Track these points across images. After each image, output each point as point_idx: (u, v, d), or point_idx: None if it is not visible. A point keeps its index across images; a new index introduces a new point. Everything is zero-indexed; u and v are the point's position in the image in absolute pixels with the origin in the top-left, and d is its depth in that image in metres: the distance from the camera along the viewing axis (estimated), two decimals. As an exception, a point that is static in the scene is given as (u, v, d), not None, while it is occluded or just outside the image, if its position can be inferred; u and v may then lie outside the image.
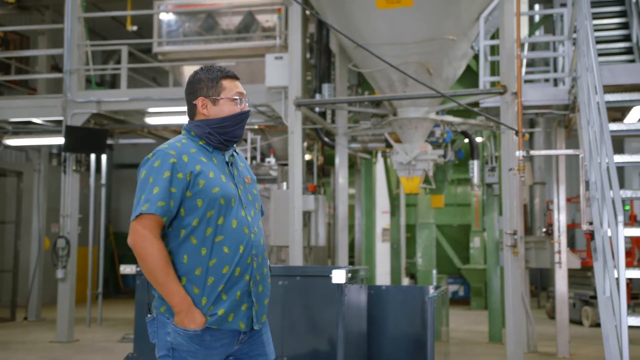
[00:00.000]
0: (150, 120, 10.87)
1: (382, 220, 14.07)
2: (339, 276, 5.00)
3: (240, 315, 2.75)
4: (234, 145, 2.97)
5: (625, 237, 4.22)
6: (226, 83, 2.89)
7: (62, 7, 10.17)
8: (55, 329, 9.69)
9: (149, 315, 2.80)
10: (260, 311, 2.82)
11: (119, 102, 9.86)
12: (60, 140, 10.08)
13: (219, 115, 2.85)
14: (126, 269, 5.91)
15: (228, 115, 2.86)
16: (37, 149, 12.43)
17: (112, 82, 15.45)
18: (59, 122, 10.29)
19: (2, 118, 10.56)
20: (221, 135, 2.86)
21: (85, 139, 9.80)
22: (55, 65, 14.21)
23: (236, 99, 2.89)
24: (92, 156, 10.96)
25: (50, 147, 12.27)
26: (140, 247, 2.64)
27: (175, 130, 11.56)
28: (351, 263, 13.05)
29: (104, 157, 11.38)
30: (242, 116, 2.90)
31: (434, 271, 13.44)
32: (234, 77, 2.93)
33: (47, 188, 12.27)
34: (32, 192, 12.41)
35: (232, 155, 2.93)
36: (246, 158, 10.88)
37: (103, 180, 11.69)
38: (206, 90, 2.85)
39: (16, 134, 11.35)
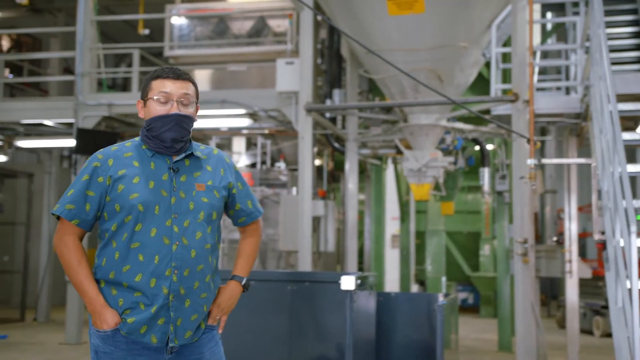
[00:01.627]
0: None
1: (392, 226, 14.03)
2: (348, 282, 4.98)
3: (155, 329, 2.63)
4: (201, 149, 2.85)
5: (639, 248, 4.18)
6: (155, 83, 2.74)
7: (74, 10, 10.22)
8: (64, 330, 9.70)
9: None
10: (182, 327, 2.67)
11: (130, 105, 9.88)
12: (71, 142, 10.11)
13: (148, 117, 2.74)
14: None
15: (151, 118, 2.71)
16: (48, 151, 12.49)
17: (124, 86, 15.50)
18: (70, 125, 10.34)
19: (13, 120, 10.61)
20: (153, 139, 2.73)
21: (95, 141, 9.81)
22: (67, 67, 14.29)
23: (159, 99, 2.71)
24: (103, 159, 10.98)
25: (61, 149, 12.32)
26: (57, 249, 2.73)
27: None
28: (360, 269, 13.01)
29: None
30: (166, 119, 2.68)
31: (444, 278, 13.34)
32: (167, 76, 2.73)
33: (57, 190, 12.30)
34: (43, 193, 12.47)
35: (190, 158, 2.78)
36: (255, 163, 10.90)
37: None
38: (142, 92, 2.78)
39: (28, 135, 11.40)
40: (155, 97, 2.71)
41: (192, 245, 2.67)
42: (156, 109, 2.71)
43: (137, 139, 2.83)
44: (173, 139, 2.70)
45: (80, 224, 2.70)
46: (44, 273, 12.12)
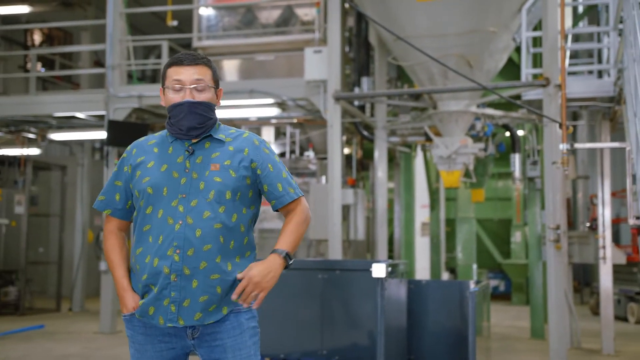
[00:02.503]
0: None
1: (422, 214, 13.96)
2: (379, 270, 4.98)
3: (161, 310, 2.63)
4: (227, 132, 2.81)
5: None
6: (170, 71, 2.74)
7: (104, 3, 10.30)
8: (98, 320, 9.86)
9: None
10: (191, 308, 2.61)
11: (160, 97, 9.95)
12: (102, 134, 10.22)
13: (166, 105, 2.75)
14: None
15: (169, 106, 2.73)
16: (81, 143, 12.65)
17: (153, 77, 15.64)
18: (101, 117, 10.45)
19: (46, 113, 10.76)
20: (173, 127, 2.74)
21: (126, 133, 9.90)
22: (98, 60, 14.44)
23: (175, 87, 2.70)
24: (134, 150, 11.10)
25: (93, 141, 12.47)
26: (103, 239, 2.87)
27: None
28: (390, 257, 12.99)
29: (145, 151, 11.50)
30: (179, 107, 2.68)
31: (474, 266, 13.30)
32: (181, 63, 2.72)
33: (90, 182, 12.48)
34: (76, 185, 12.65)
35: (212, 140, 2.75)
36: (284, 152, 10.92)
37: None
38: (161, 80, 2.80)
39: (60, 128, 11.56)
40: (169, 86, 2.72)
41: (198, 224, 2.62)
42: (171, 97, 2.72)
43: None
44: (189, 127, 2.70)
45: (113, 214, 2.81)
46: (78, 264, 12.31)
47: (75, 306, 12.32)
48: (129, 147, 2.84)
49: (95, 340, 9.13)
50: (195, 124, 2.69)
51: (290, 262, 2.72)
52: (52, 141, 12.28)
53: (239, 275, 2.65)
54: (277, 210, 2.85)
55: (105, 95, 9.92)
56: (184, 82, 2.69)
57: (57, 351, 8.31)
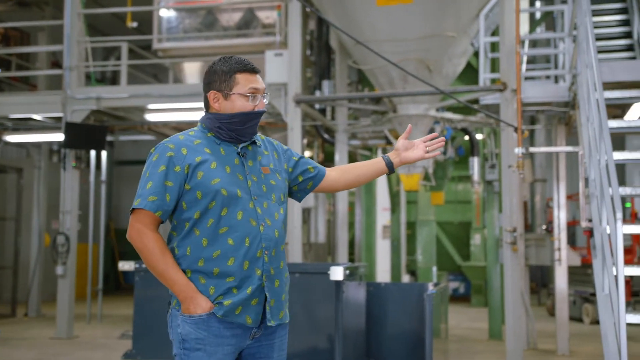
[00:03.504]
0: (150, 117, 10.86)
1: (383, 217, 14.05)
2: (337, 273, 5.00)
3: (249, 310, 2.67)
4: (255, 135, 2.87)
5: (626, 235, 4.21)
6: (240, 77, 2.75)
7: (61, 3, 10.16)
8: (55, 325, 9.69)
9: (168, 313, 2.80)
10: (276, 307, 2.73)
11: (119, 98, 9.84)
12: (60, 136, 10.07)
13: (230, 110, 2.75)
14: (125, 266, 5.92)
15: (238, 113, 2.74)
16: (37, 145, 12.42)
17: (113, 79, 15.44)
18: (58, 119, 10.29)
19: (2, 114, 10.55)
20: (230, 132, 2.77)
21: (85, 135, 9.79)
22: (56, 61, 14.20)
23: (249, 96, 2.75)
24: (92, 153, 10.96)
25: (50, 143, 12.26)
26: (137, 241, 2.65)
27: (175, 127, 11.55)
28: (351, 260, 13.04)
29: (104, 153, 11.37)
30: (252, 115, 2.76)
31: (434, 268, 13.41)
32: (252, 70, 2.77)
33: (47, 184, 12.26)
34: (32, 188, 12.41)
35: (251, 144, 2.83)
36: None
37: (103, 177, 11.68)
38: (219, 83, 2.75)
39: (16, 130, 11.34)
40: (245, 93, 2.74)
41: (275, 225, 2.73)
42: (244, 105, 2.75)
43: (196, 127, 2.85)
44: (251, 134, 2.79)
45: (162, 215, 2.68)
46: (35, 268, 12.08)
47: (31, 311, 12.08)
48: (171, 146, 2.71)
49: (52, 345, 8.98)
50: (256, 130, 2.82)
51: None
52: (7, 143, 12.04)
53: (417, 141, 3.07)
54: (319, 184, 2.99)
55: (63, 96, 9.78)
56: (260, 91, 2.77)
57: (13, 357, 8.15)
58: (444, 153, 9.76)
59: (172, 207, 2.69)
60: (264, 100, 2.81)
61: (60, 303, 9.58)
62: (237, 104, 2.74)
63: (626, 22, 10.01)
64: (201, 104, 9.54)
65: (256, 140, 2.85)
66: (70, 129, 9.59)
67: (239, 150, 2.77)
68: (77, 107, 9.73)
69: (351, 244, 13.05)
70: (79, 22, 9.99)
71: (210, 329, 2.64)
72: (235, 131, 2.76)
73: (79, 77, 9.98)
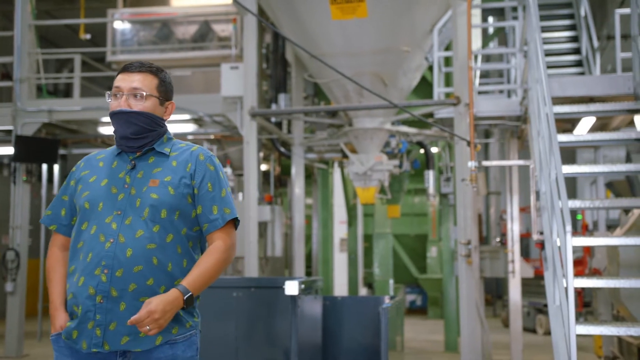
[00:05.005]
0: (103, 130, 10.71)
1: (340, 230, 14.08)
2: (291, 287, 4.98)
3: (85, 334, 2.47)
4: (164, 145, 2.66)
5: (576, 247, 4.29)
6: (117, 78, 2.64)
7: (12, 14, 9.97)
8: (4, 343, 9.43)
9: None
10: (118, 332, 2.44)
11: (72, 111, 9.68)
12: (10, 150, 9.85)
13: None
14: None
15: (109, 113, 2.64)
16: (-13, 159, 12.15)
17: (66, 91, 15.19)
18: (9, 132, 10.06)
19: (-51, 127, 10.27)
20: (115, 138, 2.66)
21: (36, 149, 9.59)
22: (6, 73, 13.90)
23: (115, 94, 2.61)
24: (44, 166, 10.75)
25: (0, 157, 11.98)
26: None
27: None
28: (308, 274, 13.02)
29: (56, 167, 11.16)
30: (113, 117, 2.59)
31: (391, 281, 13.45)
32: (127, 70, 2.63)
33: (-3, 199, 11.98)
34: (-19, 203, 12.10)
35: (156, 155, 2.63)
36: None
37: (55, 191, 11.45)
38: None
39: (-35, 143, 11.06)
40: (108, 93, 2.64)
41: (130, 244, 2.47)
42: (110, 105, 2.64)
43: None
44: (122, 136, 2.61)
45: (58, 230, 2.68)
46: (-16, 285, 11.75)
47: (-21, 329, 11.74)
48: (80, 161, 2.75)
49: (0, 365, 8.73)
50: (129, 134, 2.58)
51: (186, 307, 2.48)
52: (-45, 157, 11.74)
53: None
54: (205, 235, 2.64)
55: (13, 109, 9.58)
56: (122, 89, 2.59)
57: (-42, 378, 7.91)
58: (400, 166, 9.82)
59: (68, 222, 2.70)
60: (139, 102, 2.58)
61: (9, 320, 9.34)
62: (110, 106, 2.64)
63: (575, 39, 10.26)
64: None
65: (166, 149, 2.65)
66: (21, 142, 9.39)
67: (131, 161, 2.62)
68: (28, 120, 9.54)
69: (308, 258, 13.04)
70: (29, 34, 9.82)
71: (61, 349, 2.55)
72: (115, 138, 2.64)
73: (30, 90, 9.80)
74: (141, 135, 2.60)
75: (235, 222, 2.67)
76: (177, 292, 2.46)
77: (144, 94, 2.60)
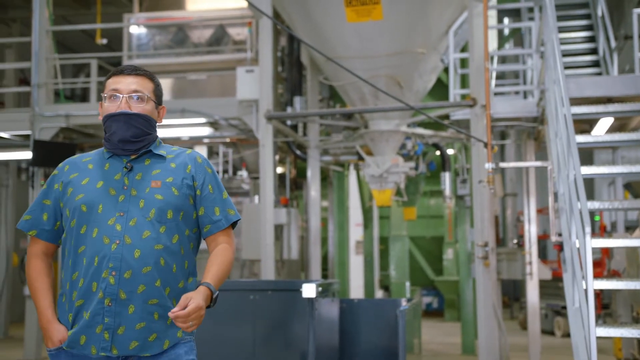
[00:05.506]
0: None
1: (356, 232, 14.06)
2: (309, 290, 4.97)
3: (94, 339, 2.40)
4: (159, 148, 2.64)
5: (595, 248, 4.25)
6: (110, 81, 2.59)
7: (30, 20, 10.05)
8: (23, 347, 9.50)
9: None
10: (127, 336, 2.41)
11: (89, 116, 9.74)
12: (28, 154, 9.93)
13: (103, 116, 2.60)
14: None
15: (103, 117, 2.58)
16: (5, 163, 12.23)
17: (83, 96, 15.30)
18: (27, 137, 10.14)
19: (-31, 132, 10.38)
20: (109, 141, 2.58)
21: (53, 153, 9.64)
22: (24, 78, 14.03)
23: (112, 96, 2.56)
24: (61, 171, 10.82)
25: (18, 161, 12.08)
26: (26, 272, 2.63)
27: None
28: (324, 276, 13.00)
29: (73, 171, 11.23)
30: (113, 118, 2.53)
31: (407, 283, 13.45)
32: (121, 72, 2.59)
33: (15, 203, 12.06)
34: (0, 207, 12.20)
35: (152, 157, 2.60)
36: (218, 172, 10.84)
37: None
38: (103, 91, 2.64)
39: (-17, 148, 11.16)
40: (106, 95, 2.57)
41: (137, 244, 2.43)
42: (106, 107, 2.57)
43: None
44: (121, 139, 2.54)
45: (39, 235, 2.58)
46: (2, 288, 11.86)
47: (-2, 333, 11.85)
48: (60, 164, 2.64)
49: (19, 368, 8.80)
50: (129, 137, 2.53)
51: (212, 305, 2.50)
52: (-26, 161, 11.85)
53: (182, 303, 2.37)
54: (206, 237, 2.64)
55: (31, 114, 9.65)
56: (121, 91, 2.54)
57: (-22, 381, 7.98)
58: (416, 168, 9.80)
59: (51, 227, 2.59)
60: (140, 105, 2.56)
61: (28, 324, 9.40)
62: (104, 108, 2.58)
63: (592, 39, 10.20)
64: (172, 121, 9.48)
65: (162, 152, 2.63)
66: (39, 147, 9.46)
67: (127, 163, 2.57)
68: (46, 125, 9.61)
69: (324, 260, 13.02)
70: (47, 39, 9.89)
71: None
72: (110, 139, 2.56)
73: (48, 95, 9.87)
74: (140, 138, 2.57)
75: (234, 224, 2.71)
76: (207, 289, 2.46)
77: (146, 95, 2.58)
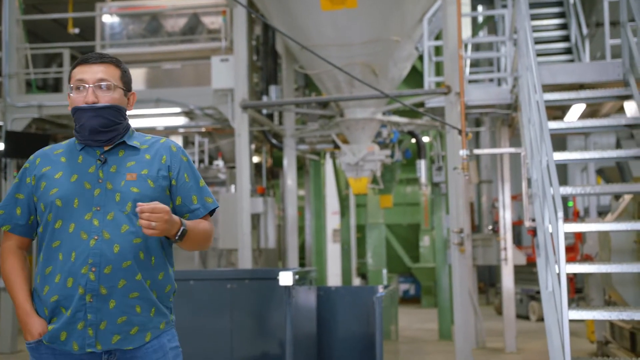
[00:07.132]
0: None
1: (333, 221, 14.11)
2: (286, 278, 4.99)
3: (75, 335, 2.40)
4: (133, 138, 2.60)
5: (568, 233, 4.32)
6: (76, 70, 2.54)
7: (-1, 9, 9.91)
8: (-2, 340, 9.42)
9: None
10: (108, 331, 2.41)
11: (61, 106, 9.64)
12: (0, 146, 9.81)
13: (71, 108, 2.55)
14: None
15: (72, 109, 2.53)
16: (-23, 155, 12.08)
17: (55, 86, 15.11)
18: (-2, 128, 10.02)
19: (-62, 124, 10.22)
20: (78, 133, 2.54)
21: (26, 144, 9.54)
22: (-5, 69, 13.83)
23: (78, 87, 2.51)
24: (35, 162, 10.71)
25: (-10, 153, 11.92)
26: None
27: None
28: (302, 265, 13.04)
29: (47, 162, 11.12)
30: (80, 110, 2.49)
31: (384, 271, 13.52)
32: (86, 62, 2.54)
33: (-13, 195, 11.92)
34: (-28, 199, 12.06)
35: (126, 149, 2.56)
36: (194, 162, 10.80)
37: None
38: (69, 82, 2.58)
39: (-46, 140, 11.00)
40: (72, 85, 2.52)
41: (116, 239, 2.42)
42: (73, 98, 2.51)
43: None
44: (92, 130, 2.49)
45: (12, 230, 2.55)
46: (-24, 281, 11.72)
47: (-27, 326, 11.71)
48: (31, 157, 2.59)
49: (-5, 361, 8.73)
50: (98, 127, 2.48)
51: (177, 237, 2.46)
52: (-55, 153, 11.66)
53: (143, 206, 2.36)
54: None
55: (2, 105, 9.53)
56: (87, 81, 2.49)
57: (-47, 375, 7.90)
58: (392, 156, 9.84)
59: (25, 221, 2.56)
60: (107, 94, 2.51)
61: (3, 317, 9.31)
62: (72, 99, 2.53)
63: (564, 26, 10.29)
64: (146, 111, 9.40)
65: (136, 143, 2.59)
66: (11, 138, 9.35)
67: (99, 156, 2.53)
68: (18, 116, 9.49)
69: (301, 249, 13.04)
70: (17, 29, 9.76)
71: (42, 356, 2.47)
72: (80, 131, 2.51)
73: (19, 85, 9.75)
74: (110, 128, 2.52)
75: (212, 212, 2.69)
76: (179, 219, 2.48)
77: (113, 84, 2.53)
